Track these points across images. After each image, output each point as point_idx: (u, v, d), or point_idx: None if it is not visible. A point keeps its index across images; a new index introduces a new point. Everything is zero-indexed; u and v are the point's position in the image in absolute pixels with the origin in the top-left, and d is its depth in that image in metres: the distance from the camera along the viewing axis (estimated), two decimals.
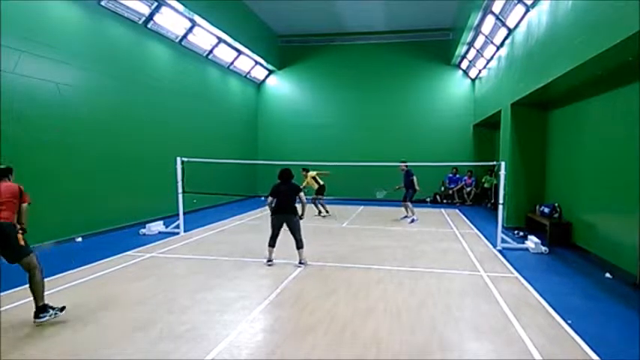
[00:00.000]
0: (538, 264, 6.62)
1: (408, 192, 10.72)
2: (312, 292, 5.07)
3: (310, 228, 9.59)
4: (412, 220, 10.54)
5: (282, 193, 6.21)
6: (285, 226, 6.22)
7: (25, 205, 4.11)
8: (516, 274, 5.90)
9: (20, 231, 3.99)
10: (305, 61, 16.77)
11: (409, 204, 10.76)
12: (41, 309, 3.99)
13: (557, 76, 6.68)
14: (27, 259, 3.99)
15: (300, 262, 6.19)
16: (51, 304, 4.09)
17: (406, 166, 10.70)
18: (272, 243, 6.28)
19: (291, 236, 6.19)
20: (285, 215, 6.19)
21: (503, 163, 7.61)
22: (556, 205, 8.43)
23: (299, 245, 6.23)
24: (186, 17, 10.78)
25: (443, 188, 15.57)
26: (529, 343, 3.67)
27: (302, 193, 6.27)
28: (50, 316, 4.01)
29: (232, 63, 14.44)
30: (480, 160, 14.02)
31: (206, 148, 12.30)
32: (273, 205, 6.29)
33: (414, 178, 10.64)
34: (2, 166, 4.18)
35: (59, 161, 7.51)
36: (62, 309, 4.12)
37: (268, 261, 6.26)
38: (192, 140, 11.81)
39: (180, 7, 9.96)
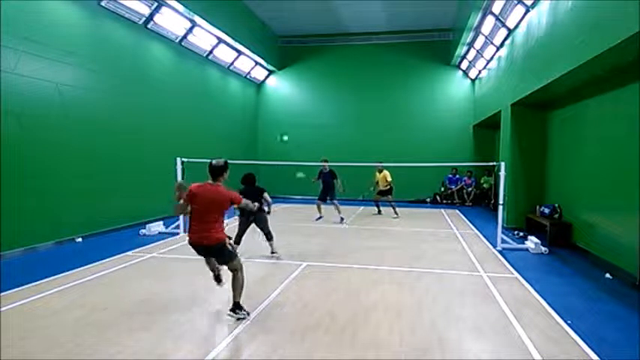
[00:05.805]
0: (538, 264, 6.62)
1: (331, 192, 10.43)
2: (312, 292, 5.08)
3: (311, 228, 9.60)
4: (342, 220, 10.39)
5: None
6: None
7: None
8: (516, 274, 5.90)
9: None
10: (305, 61, 16.78)
11: (335, 202, 10.46)
12: (236, 305, 4.16)
13: (558, 77, 6.68)
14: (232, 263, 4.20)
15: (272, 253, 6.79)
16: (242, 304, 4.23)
17: (328, 166, 10.44)
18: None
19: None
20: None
21: (503, 164, 7.61)
22: (556, 205, 8.43)
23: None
24: (186, 18, 10.79)
25: (443, 189, 15.58)
26: (529, 343, 3.67)
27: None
28: (241, 316, 4.15)
29: (232, 63, 14.45)
30: (479, 161, 14.02)
31: (206, 148, 12.27)
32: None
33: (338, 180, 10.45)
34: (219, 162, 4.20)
35: (59, 161, 7.51)
36: (248, 313, 4.25)
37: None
38: (193, 140, 11.80)
39: (180, 7, 9.96)
